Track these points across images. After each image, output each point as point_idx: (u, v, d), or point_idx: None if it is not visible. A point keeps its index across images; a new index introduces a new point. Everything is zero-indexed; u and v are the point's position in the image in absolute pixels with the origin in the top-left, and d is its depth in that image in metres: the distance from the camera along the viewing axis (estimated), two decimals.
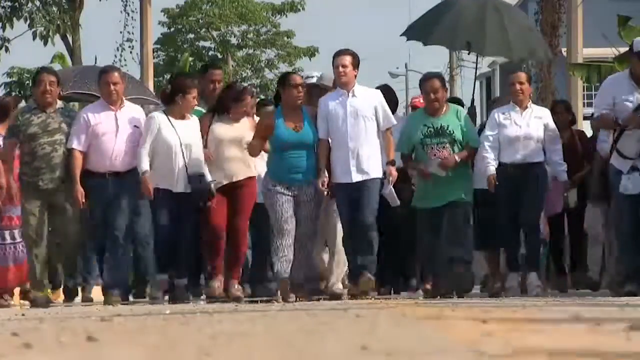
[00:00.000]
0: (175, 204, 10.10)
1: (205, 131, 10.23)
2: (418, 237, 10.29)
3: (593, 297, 9.84)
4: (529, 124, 10.45)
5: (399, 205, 10.21)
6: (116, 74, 10.58)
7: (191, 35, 40.80)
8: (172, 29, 39.86)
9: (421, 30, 13.01)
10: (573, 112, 12.88)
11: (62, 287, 10.95)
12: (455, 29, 12.58)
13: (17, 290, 10.98)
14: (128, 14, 26.76)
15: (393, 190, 9.91)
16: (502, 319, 4.33)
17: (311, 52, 40.94)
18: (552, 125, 10.58)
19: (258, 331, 3.90)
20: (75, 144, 10.04)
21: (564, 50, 16.81)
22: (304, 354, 2.99)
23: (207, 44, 41.69)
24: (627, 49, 16.74)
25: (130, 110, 10.42)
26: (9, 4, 24.89)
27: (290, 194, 9.87)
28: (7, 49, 22.94)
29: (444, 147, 10.06)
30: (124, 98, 10.46)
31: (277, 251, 9.85)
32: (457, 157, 10.04)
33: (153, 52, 24.68)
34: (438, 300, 8.58)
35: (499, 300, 8.30)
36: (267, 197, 10.01)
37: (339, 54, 10.13)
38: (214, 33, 40.14)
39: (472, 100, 12.38)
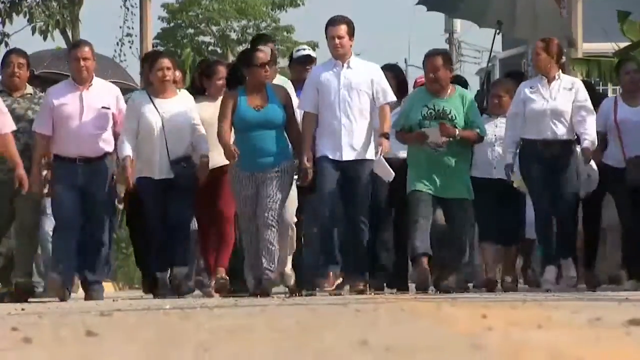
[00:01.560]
0: (160, 192, 9.74)
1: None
2: (413, 218, 9.73)
3: (592, 293, 9.78)
4: (556, 97, 10.02)
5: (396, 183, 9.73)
6: (87, 48, 9.96)
7: (191, 31, 40.76)
8: (172, 24, 39.79)
9: (445, 2, 12.99)
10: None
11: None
12: (487, 6, 12.32)
13: None
14: (128, 9, 26.81)
15: (385, 162, 9.42)
16: (503, 313, 4.33)
17: (311, 47, 40.97)
18: (581, 95, 10.14)
19: (258, 326, 3.90)
20: (36, 126, 9.62)
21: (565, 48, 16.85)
22: (304, 348, 2.99)
23: (207, 39, 41.64)
24: (627, 43, 16.82)
25: (100, 90, 9.83)
26: None
27: (254, 182, 9.41)
28: (6, 44, 22.86)
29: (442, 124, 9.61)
30: (94, 76, 9.89)
31: (243, 240, 9.70)
32: (459, 132, 9.57)
33: (153, 47, 24.61)
34: (437, 295, 8.51)
35: (498, 295, 8.24)
36: (232, 184, 9.61)
37: (332, 23, 9.71)
38: (214, 28, 40.12)
39: (484, 82, 12.15)
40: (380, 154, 9.40)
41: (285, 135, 9.48)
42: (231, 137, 9.48)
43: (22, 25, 24.09)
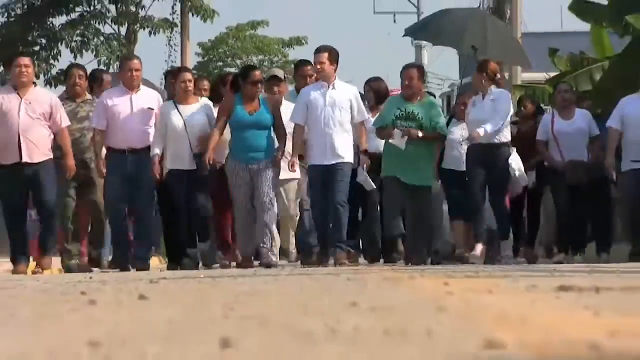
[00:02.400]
0: (185, 180, 9.33)
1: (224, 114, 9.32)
2: (386, 205, 9.46)
3: (531, 265, 9.71)
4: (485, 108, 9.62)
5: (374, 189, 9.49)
6: (136, 61, 9.83)
7: (220, 63, 40.67)
8: (206, 59, 39.65)
9: (428, 33, 12.58)
10: (538, 104, 12.40)
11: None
12: (463, 34, 11.95)
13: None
14: (171, 47, 26.87)
15: (367, 176, 9.25)
16: (461, 282, 4.32)
17: None
18: (503, 101, 9.71)
19: (271, 291, 3.89)
20: (94, 123, 9.38)
21: (506, 74, 16.71)
22: (307, 307, 2.99)
23: (232, 70, 41.62)
24: (556, 73, 16.80)
25: (145, 94, 9.63)
26: (79, 39, 25.05)
27: (249, 173, 9.07)
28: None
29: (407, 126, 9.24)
30: (141, 84, 9.63)
31: (237, 223, 9.36)
32: (419, 133, 9.16)
33: None
34: (410, 267, 8.46)
35: (457, 266, 8.20)
36: (229, 175, 9.26)
37: (316, 51, 9.49)
38: (238, 61, 40.07)
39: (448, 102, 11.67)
40: (365, 170, 9.30)
41: (273, 134, 9.25)
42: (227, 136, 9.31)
43: (89, 60, 24.01)
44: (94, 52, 24.68)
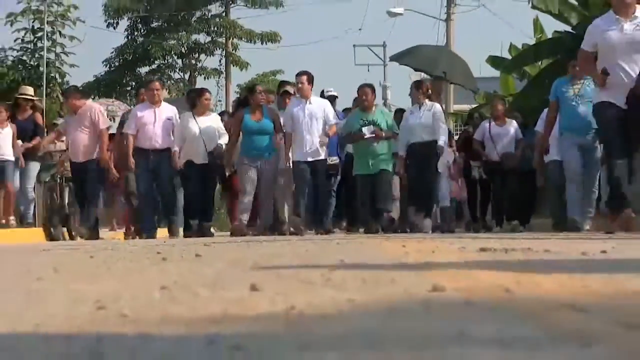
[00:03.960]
0: (200, 171, 8.92)
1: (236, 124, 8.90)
2: (359, 196, 8.93)
3: (465, 233, 9.57)
4: (422, 116, 9.12)
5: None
6: (157, 83, 9.40)
7: None
8: (242, 96, 39.84)
9: (410, 59, 12.04)
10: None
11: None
12: (436, 62, 11.68)
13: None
14: (219, 88, 27.11)
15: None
16: (413, 245, 4.29)
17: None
18: (438, 114, 9.22)
19: (287, 252, 3.86)
20: (127, 129, 8.96)
21: (443, 105, 16.80)
22: (310, 263, 2.96)
23: None
24: (476, 105, 16.84)
25: (166, 108, 9.16)
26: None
27: (254, 165, 8.68)
28: None
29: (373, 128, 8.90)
30: (162, 100, 9.24)
31: (241, 205, 8.81)
32: (383, 133, 8.83)
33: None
34: (378, 235, 8.36)
35: (411, 234, 8.15)
36: (238, 168, 8.89)
37: (298, 75, 9.01)
38: None
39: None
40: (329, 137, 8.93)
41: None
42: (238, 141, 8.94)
43: (164, 97, 24.41)
44: (168, 91, 24.85)
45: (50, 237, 9.29)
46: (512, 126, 10.13)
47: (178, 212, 9.43)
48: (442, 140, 8.99)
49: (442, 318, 1.49)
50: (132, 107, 9.70)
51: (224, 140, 8.94)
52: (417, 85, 9.53)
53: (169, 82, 25.93)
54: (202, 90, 9.64)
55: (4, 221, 9.64)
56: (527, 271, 2.43)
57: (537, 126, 9.36)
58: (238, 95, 40.34)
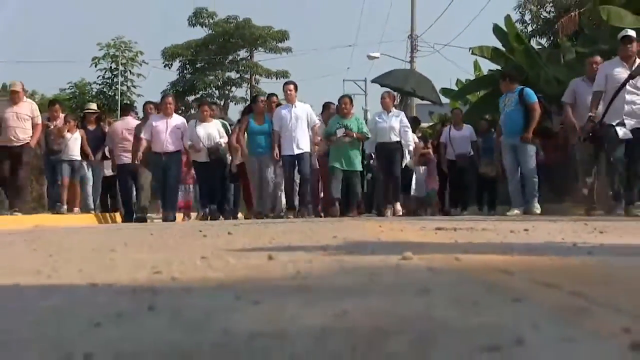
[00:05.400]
0: (203, 167, 8.21)
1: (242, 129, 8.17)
2: (333, 185, 7.98)
3: (432, 216, 8.45)
4: (391, 120, 8.29)
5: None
6: (170, 99, 8.48)
7: None
8: None
9: (387, 79, 11.18)
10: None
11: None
12: (406, 80, 11.20)
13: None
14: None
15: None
16: (387, 225, 4.25)
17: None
18: (405, 121, 8.39)
19: (295, 230, 3.83)
20: (144, 136, 8.14)
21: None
22: (312, 238, 2.93)
23: None
24: (432, 123, 16.75)
25: (176, 119, 8.35)
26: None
27: (256, 159, 7.98)
28: None
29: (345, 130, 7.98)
30: (173, 112, 8.34)
31: (259, 192, 8.05)
32: (354, 134, 7.92)
33: None
34: (361, 217, 7.68)
35: (386, 217, 7.96)
36: (246, 163, 8.15)
37: (287, 83, 8.28)
38: None
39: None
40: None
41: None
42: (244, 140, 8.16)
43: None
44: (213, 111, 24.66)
45: (123, 220, 8.85)
46: (468, 130, 9.55)
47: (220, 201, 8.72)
48: (407, 140, 8.36)
49: (410, 279, 1.46)
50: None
51: (223, 140, 8.35)
52: (387, 94, 8.69)
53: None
54: (202, 103, 9.01)
55: (73, 209, 9.00)
56: (470, 244, 2.40)
57: (496, 133, 8.37)
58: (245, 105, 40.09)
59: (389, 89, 9.36)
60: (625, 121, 5.70)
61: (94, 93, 24.09)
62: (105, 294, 1.37)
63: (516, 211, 7.07)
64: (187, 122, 8.50)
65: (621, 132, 5.64)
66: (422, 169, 10.35)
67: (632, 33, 5.96)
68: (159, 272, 1.67)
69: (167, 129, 8.17)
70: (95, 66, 25.29)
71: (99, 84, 24.40)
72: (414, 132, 9.09)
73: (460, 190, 9.58)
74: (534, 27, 15.10)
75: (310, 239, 2.85)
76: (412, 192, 10.23)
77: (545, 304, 1.11)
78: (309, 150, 8.08)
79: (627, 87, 5.71)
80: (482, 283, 1.38)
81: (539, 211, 7.00)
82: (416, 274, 1.54)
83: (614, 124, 5.68)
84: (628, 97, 5.73)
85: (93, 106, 10.34)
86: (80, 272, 1.75)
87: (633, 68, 5.75)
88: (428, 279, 1.43)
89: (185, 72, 28.09)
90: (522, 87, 7.41)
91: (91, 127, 9.51)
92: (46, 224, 7.02)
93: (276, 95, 9.00)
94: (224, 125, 8.58)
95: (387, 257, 1.90)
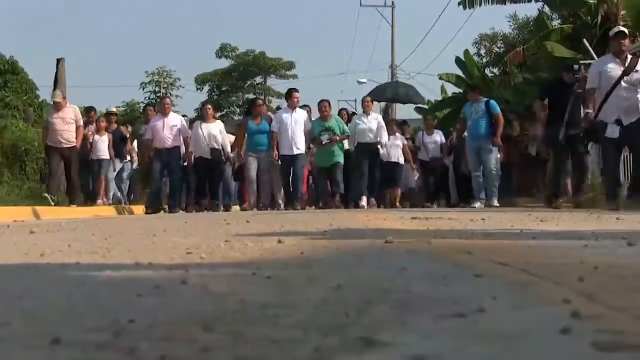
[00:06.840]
0: (205, 164, 7.39)
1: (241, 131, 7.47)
2: (317, 182, 7.45)
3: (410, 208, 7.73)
4: (370, 122, 7.52)
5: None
6: (168, 100, 7.79)
7: None
8: None
9: (376, 94, 10.48)
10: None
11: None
12: (384, 90, 10.83)
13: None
14: None
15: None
16: (373, 215, 4.22)
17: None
18: (381, 122, 7.63)
19: (299, 219, 3.79)
20: (147, 135, 7.45)
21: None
22: (312, 225, 2.90)
23: None
24: (408, 137, 16.31)
25: (173, 117, 7.49)
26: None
27: (255, 156, 7.21)
28: None
29: (329, 135, 7.26)
30: (171, 111, 7.55)
31: (249, 188, 7.33)
32: (337, 138, 7.22)
33: None
34: (350, 209, 7.14)
35: (371, 208, 7.62)
36: (245, 160, 7.36)
37: (294, 91, 7.48)
38: None
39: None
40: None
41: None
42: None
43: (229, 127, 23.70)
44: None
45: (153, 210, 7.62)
46: (438, 135, 8.97)
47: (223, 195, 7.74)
48: (384, 140, 7.69)
49: (392, 259, 1.44)
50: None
51: (225, 141, 7.56)
52: (369, 99, 7.96)
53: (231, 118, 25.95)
54: (204, 104, 8.20)
55: (99, 202, 8.20)
56: (439, 230, 2.38)
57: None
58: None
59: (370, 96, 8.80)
60: (622, 117, 4.55)
61: (141, 110, 24.35)
62: (146, 270, 1.35)
63: (478, 204, 6.83)
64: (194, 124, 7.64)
65: (609, 129, 4.54)
66: (413, 166, 9.48)
67: (625, 29, 4.94)
68: (190, 252, 1.66)
69: (164, 127, 7.32)
70: (143, 89, 26.24)
71: (145, 104, 24.79)
72: (403, 134, 8.68)
73: (435, 190, 9.10)
74: (487, 59, 15.41)
75: (312, 226, 2.82)
76: (402, 187, 9.36)
77: (500, 279, 1.09)
78: (304, 151, 7.41)
79: (622, 83, 4.59)
80: (449, 262, 1.36)
81: (497, 205, 6.66)
82: (396, 255, 1.52)
83: (610, 121, 4.56)
84: (623, 93, 4.59)
85: (112, 109, 9.53)
86: (129, 252, 1.73)
87: (626, 64, 4.63)
88: (406, 259, 1.41)
89: (213, 94, 28.66)
90: (487, 99, 7.20)
91: (111, 128, 8.73)
92: (103, 214, 6.96)
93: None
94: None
95: (373, 241, 1.87)
